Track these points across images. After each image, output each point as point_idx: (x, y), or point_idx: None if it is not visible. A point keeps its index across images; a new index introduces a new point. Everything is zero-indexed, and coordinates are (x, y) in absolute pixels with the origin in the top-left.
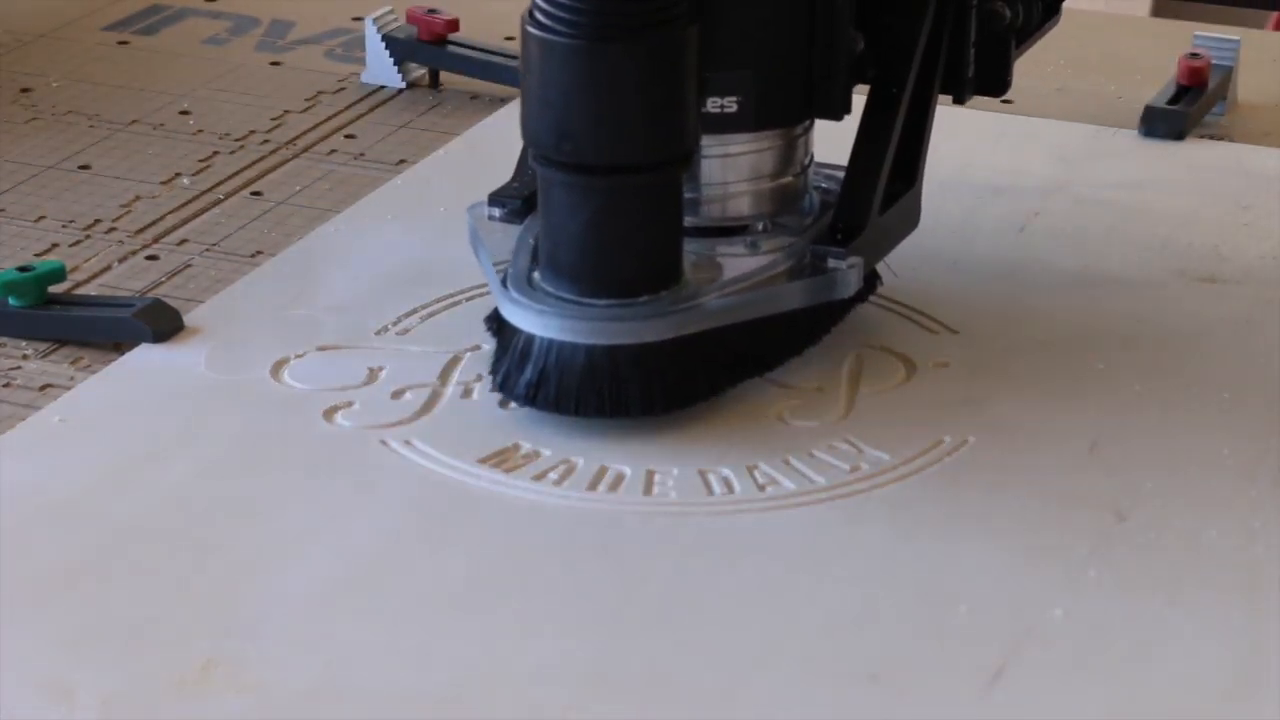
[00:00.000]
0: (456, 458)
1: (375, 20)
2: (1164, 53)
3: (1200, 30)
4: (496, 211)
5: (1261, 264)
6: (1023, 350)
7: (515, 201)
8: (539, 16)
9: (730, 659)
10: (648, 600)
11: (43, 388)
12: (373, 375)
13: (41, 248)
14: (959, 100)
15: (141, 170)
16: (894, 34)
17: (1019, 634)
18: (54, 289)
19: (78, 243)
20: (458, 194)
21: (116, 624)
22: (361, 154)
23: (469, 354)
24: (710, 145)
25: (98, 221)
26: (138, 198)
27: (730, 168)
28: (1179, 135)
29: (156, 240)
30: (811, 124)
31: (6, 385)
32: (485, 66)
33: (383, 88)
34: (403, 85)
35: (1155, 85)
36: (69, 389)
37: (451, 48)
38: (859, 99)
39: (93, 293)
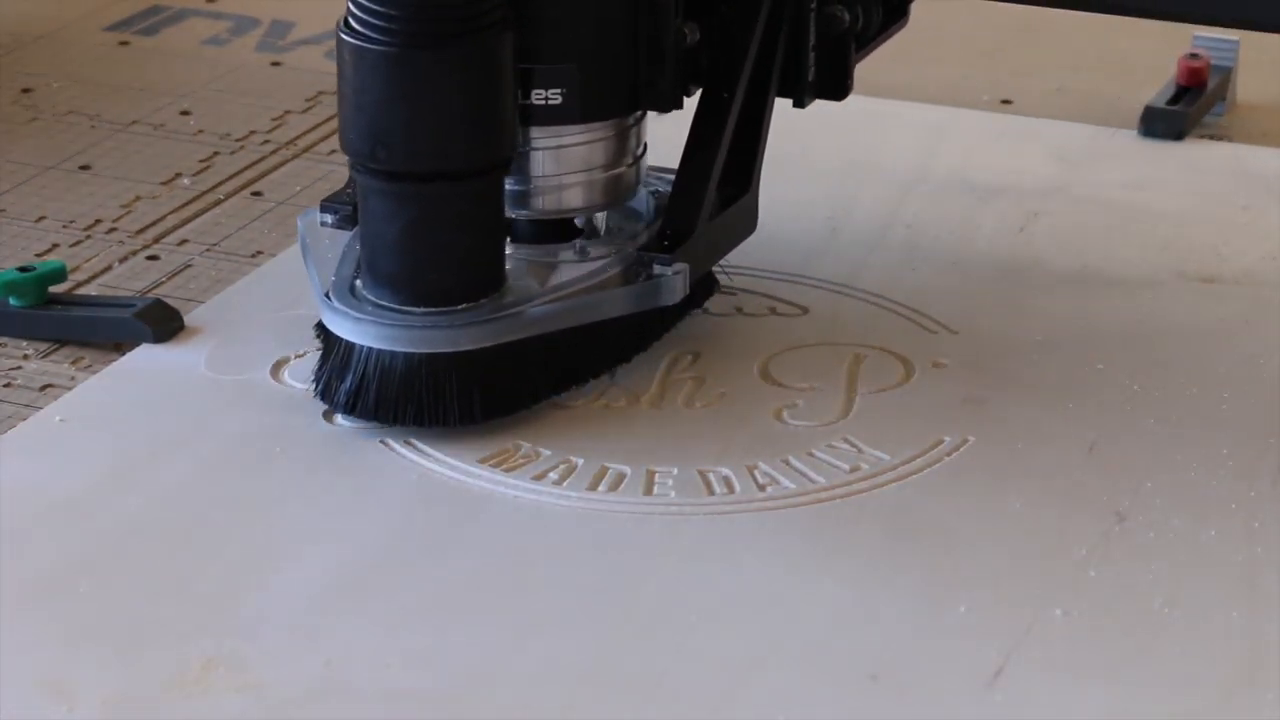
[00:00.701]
0: (456, 458)
1: None
2: (1164, 53)
3: (1200, 31)
4: (328, 218)
5: (1261, 264)
6: (1023, 350)
7: (346, 207)
8: (352, 22)
9: (730, 659)
10: (647, 600)
11: (43, 388)
12: None
13: (42, 248)
14: (798, 104)
15: (142, 170)
16: (726, 37)
17: (1019, 634)
18: (55, 289)
19: (78, 243)
20: None
21: (116, 624)
22: None
23: None
24: (540, 138)
25: (98, 221)
26: (138, 198)
27: (560, 159)
28: (1179, 135)
29: (157, 240)
30: (643, 115)
31: (7, 385)
32: None
33: None
34: None
35: (1155, 85)
36: (69, 389)
37: None
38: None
39: (93, 293)
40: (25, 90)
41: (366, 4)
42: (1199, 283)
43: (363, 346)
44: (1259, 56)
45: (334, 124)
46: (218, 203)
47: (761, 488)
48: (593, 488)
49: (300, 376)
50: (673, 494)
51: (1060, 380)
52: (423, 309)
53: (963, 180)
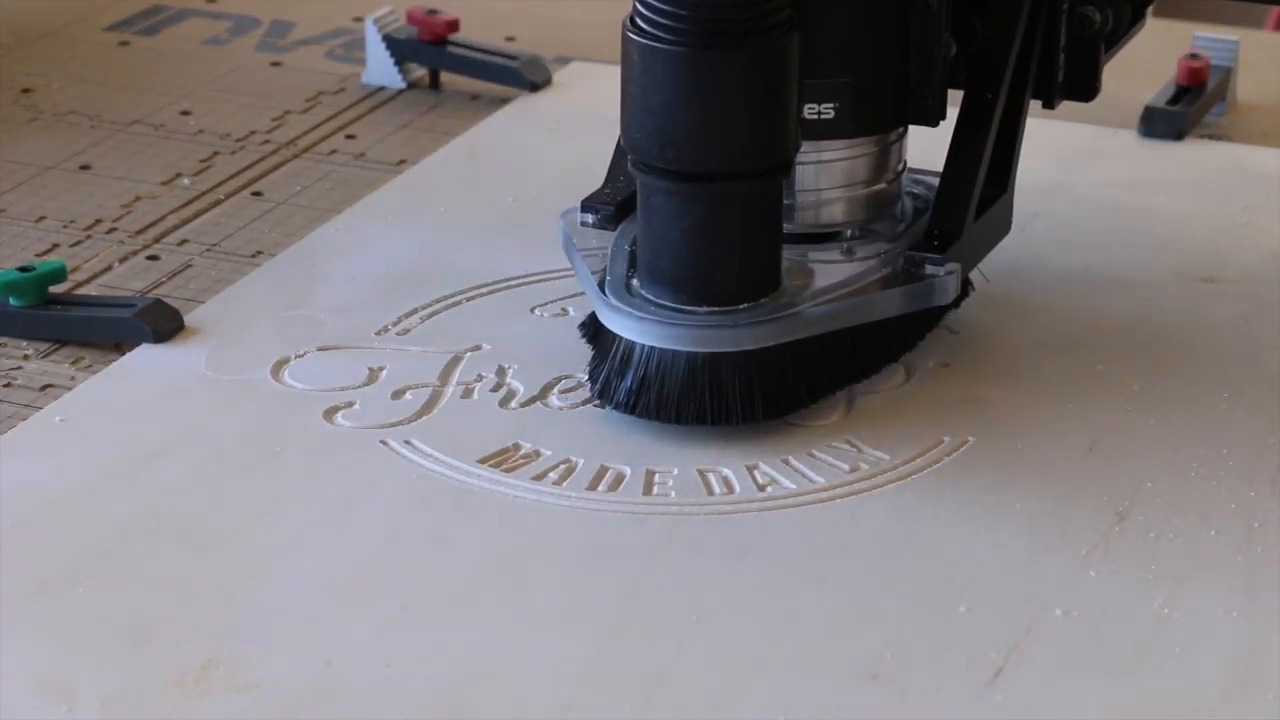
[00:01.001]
0: (456, 458)
1: (375, 21)
2: (1163, 53)
3: (1200, 30)
4: (589, 218)
5: (1261, 264)
6: (1023, 350)
7: (609, 208)
8: (640, 22)
9: (730, 659)
10: (648, 600)
11: (43, 388)
12: (373, 375)
13: (42, 248)
14: (1048, 105)
15: (142, 170)
16: (988, 40)
17: (1019, 634)
18: (55, 289)
19: (78, 243)
20: (458, 194)
21: (116, 624)
22: (362, 154)
23: (469, 354)
24: (806, 151)
25: (98, 221)
26: (138, 198)
27: (825, 174)
28: (1179, 135)
29: (157, 240)
30: (905, 131)
31: (7, 385)
32: (485, 67)
33: (383, 88)
34: (403, 86)
35: (1155, 85)
36: (69, 389)
37: (452, 48)
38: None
39: (93, 293)
40: (25, 90)
41: (656, 4)
42: (1199, 283)
43: (644, 346)
44: (1259, 56)
45: (334, 124)
46: (218, 203)
47: (761, 488)
48: (593, 488)
49: (300, 376)
50: (673, 494)
51: (1060, 380)
52: (705, 309)
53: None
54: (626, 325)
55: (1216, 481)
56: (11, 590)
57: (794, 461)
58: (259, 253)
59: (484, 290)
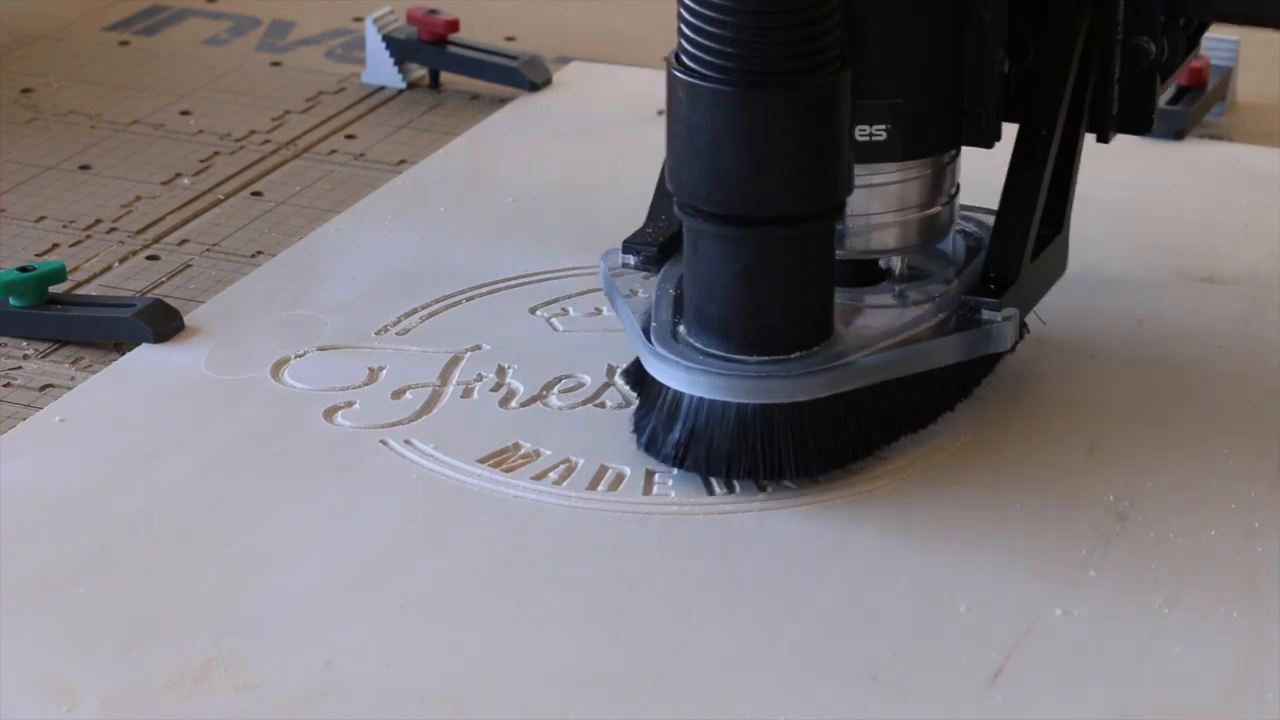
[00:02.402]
0: (456, 458)
1: (375, 20)
2: None
3: None
4: (630, 259)
5: (1261, 264)
6: (1023, 350)
7: (651, 248)
8: (685, 60)
9: (730, 659)
10: (648, 600)
11: (43, 388)
12: (373, 375)
13: (42, 248)
14: (1102, 139)
15: (142, 170)
16: (1042, 74)
17: (1019, 634)
18: (54, 289)
19: (78, 243)
20: (458, 194)
21: (116, 624)
22: (362, 154)
23: (469, 354)
24: (856, 174)
25: (98, 221)
26: (138, 198)
27: (876, 198)
28: (1179, 135)
29: (157, 240)
30: (957, 153)
31: (7, 385)
32: (485, 66)
33: (383, 88)
34: (403, 85)
35: None
36: (69, 389)
37: (451, 48)
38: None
39: (93, 293)
40: (25, 90)
41: (702, 41)
42: (1199, 283)
43: (693, 397)
44: (1259, 56)
45: (334, 124)
46: (218, 203)
47: (762, 488)
48: (593, 488)
49: (300, 376)
50: (673, 494)
51: (1060, 380)
52: (755, 357)
53: (962, 181)
54: (675, 375)
55: (1216, 481)
56: (11, 590)
57: None
58: (259, 253)
59: (484, 290)
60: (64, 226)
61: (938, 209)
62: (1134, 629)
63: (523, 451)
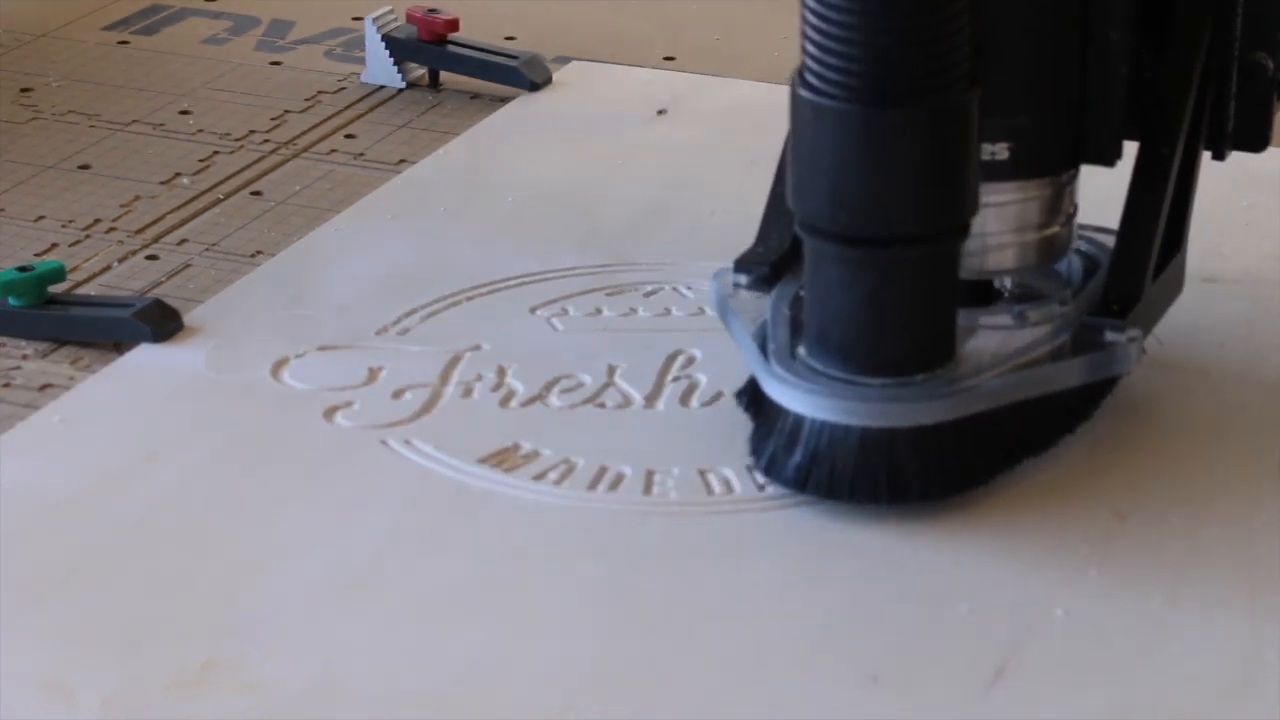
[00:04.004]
0: (456, 458)
1: (375, 20)
2: None
3: None
4: (743, 279)
5: (1261, 264)
6: None
7: (763, 268)
8: (809, 78)
9: (730, 659)
10: (648, 600)
11: (43, 388)
12: (373, 375)
13: (41, 248)
14: (1218, 156)
15: (141, 170)
16: (1162, 91)
17: (1019, 634)
18: (54, 289)
19: (77, 242)
20: (458, 194)
21: (116, 624)
22: (361, 154)
23: (469, 354)
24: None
25: (98, 221)
26: (138, 198)
27: (996, 217)
28: None
29: (156, 240)
30: (1077, 172)
31: (6, 385)
32: (485, 66)
33: (383, 88)
34: (403, 85)
35: None
36: (69, 389)
37: (451, 48)
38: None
39: (93, 293)
40: (25, 90)
41: (829, 60)
42: (1199, 283)
43: (815, 420)
44: None
45: (333, 124)
46: (217, 202)
47: (761, 488)
48: (592, 488)
49: (300, 376)
50: (673, 494)
51: None
52: (878, 380)
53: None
54: (796, 398)
55: (1217, 481)
56: (11, 590)
57: None
58: (258, 252)
59: (484, 290)
60: (63, 226)
61: (1056, 229)
62: (1134, 629)
63: (523, 451)
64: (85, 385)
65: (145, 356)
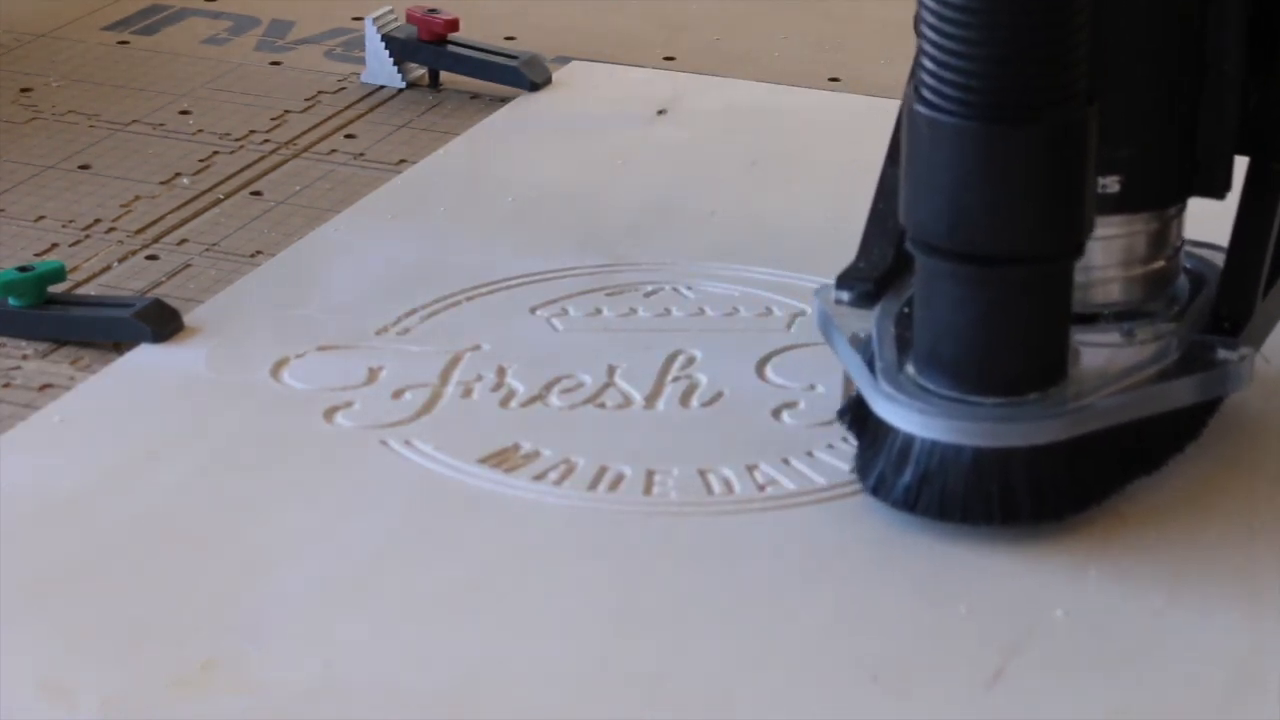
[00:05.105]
0: (456, 458)
1: (375, 20)
2: None
3: None
4: (845, 295)
5: None
6: None
7: (866, 284)
8: (926, 93)
9: (730, 659)
10: (648, 600)
11: (43, 388)
12: (373, 375)
13: (41, 248)
14: None
15: (141, 170)
16: (1272, 108)
17: (1019, 634)
18: (54, 289)
19: (77, 242)
20: (458, 194)
21: (116, 624)
22: (361, 154)
23: (469, 354)
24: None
25: (98, 221)
26: (138, 198)
27: (1104, 251)
28: None
29: (156, 240)
30: (1185, 204)
31: (6, 385)
32: (485, 66)
33: (383, 88)
34: (403, 85)
35: None
36: (69, 389)
37: (451, 48)
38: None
39: (93, 293)
40: (25, 90)
41: (947, 75)
42: None
43: (925, 439)
44: None
45: (333, 124)
46: (217, 202)
47: (761, 488)
48: (592, 488)
49: (300, 376)
50: (673, 494)
51: None
52: (990, 400)
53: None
54: (907, 417)
55: (1216, 481)
56: (11, 590)
57: (794, 461)
58: (258, 252)
59: (484, 290)
60: (63, 226)
61: (1163, 263)
62: (1134, 629)
63: (523, 451)
64: (85, 385)
65: (145, 356)
